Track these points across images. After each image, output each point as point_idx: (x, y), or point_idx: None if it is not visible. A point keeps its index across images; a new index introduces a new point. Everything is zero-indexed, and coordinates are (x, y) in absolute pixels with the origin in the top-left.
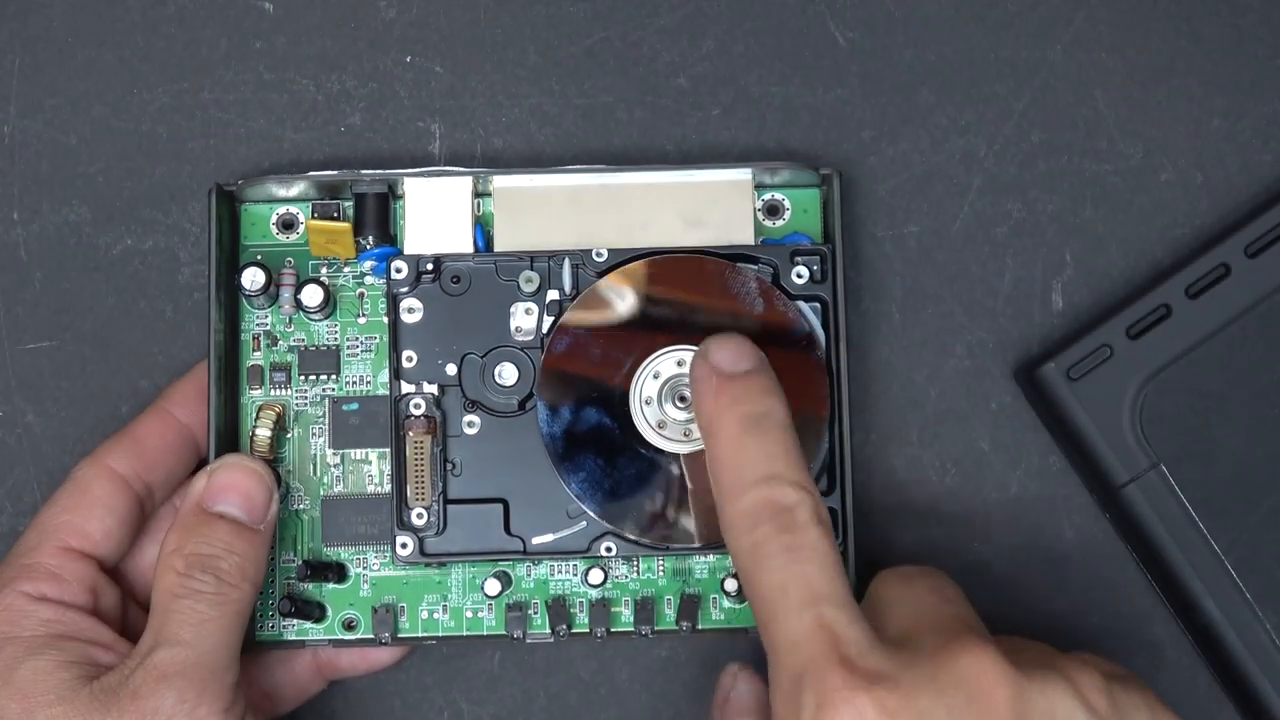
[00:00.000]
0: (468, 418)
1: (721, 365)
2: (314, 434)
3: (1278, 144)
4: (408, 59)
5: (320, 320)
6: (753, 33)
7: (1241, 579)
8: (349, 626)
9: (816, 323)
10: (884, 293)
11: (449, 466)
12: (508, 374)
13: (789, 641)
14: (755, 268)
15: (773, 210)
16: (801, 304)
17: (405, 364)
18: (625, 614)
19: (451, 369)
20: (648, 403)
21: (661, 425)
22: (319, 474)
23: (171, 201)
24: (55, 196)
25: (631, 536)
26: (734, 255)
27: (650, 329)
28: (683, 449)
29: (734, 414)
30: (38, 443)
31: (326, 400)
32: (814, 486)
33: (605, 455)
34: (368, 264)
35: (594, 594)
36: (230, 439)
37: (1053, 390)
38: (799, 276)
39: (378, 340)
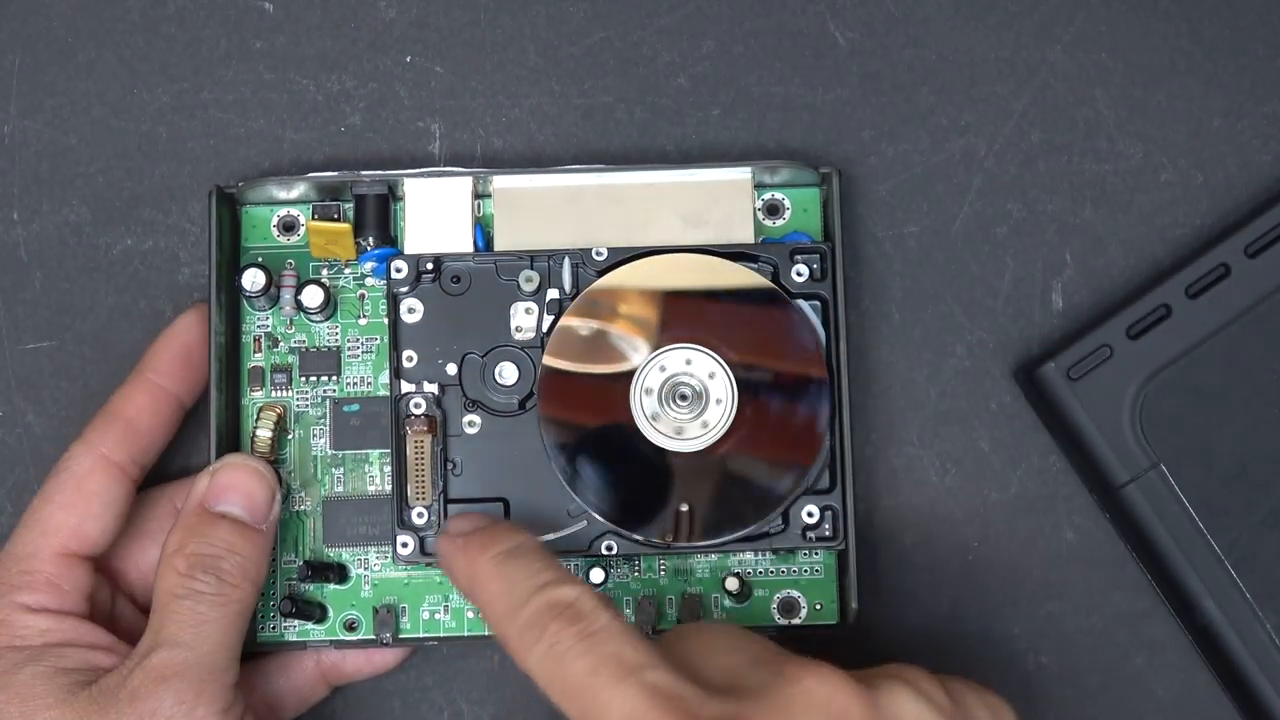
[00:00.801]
0: (468, 417)
1: (462, 528)
2: (315, 435)
3: (1278, 144)
4: (408, 59)
5: (321, 321)
6: (753, 33)
7: (1241, 579)
8: (350, 627)
9: (817, 321)
10: (884, 293)
11: (449, 466)
12: (508, 373)
13: (622, 715)
14: (755, 266)
15: (773, 210)
16: (801, 302)
17: (406, 364)
18: (626, 614)
19: (452, 369)
20: (648, 392)
21: (655, 419)
22: (320, 475)
23: (171, 201)
24: (55, 196)
25: (627, 533)
26: (734, 254)
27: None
28: (672, 446)
29: (487, 556)
30: (38, 443)
31: (327, 401)
32: (588, 586)
33: (603, 448)
34: (368, 265)
35: None
36: (231, 440)
37: (1053, 390)
38: (799, 275)
39: (378, 341)
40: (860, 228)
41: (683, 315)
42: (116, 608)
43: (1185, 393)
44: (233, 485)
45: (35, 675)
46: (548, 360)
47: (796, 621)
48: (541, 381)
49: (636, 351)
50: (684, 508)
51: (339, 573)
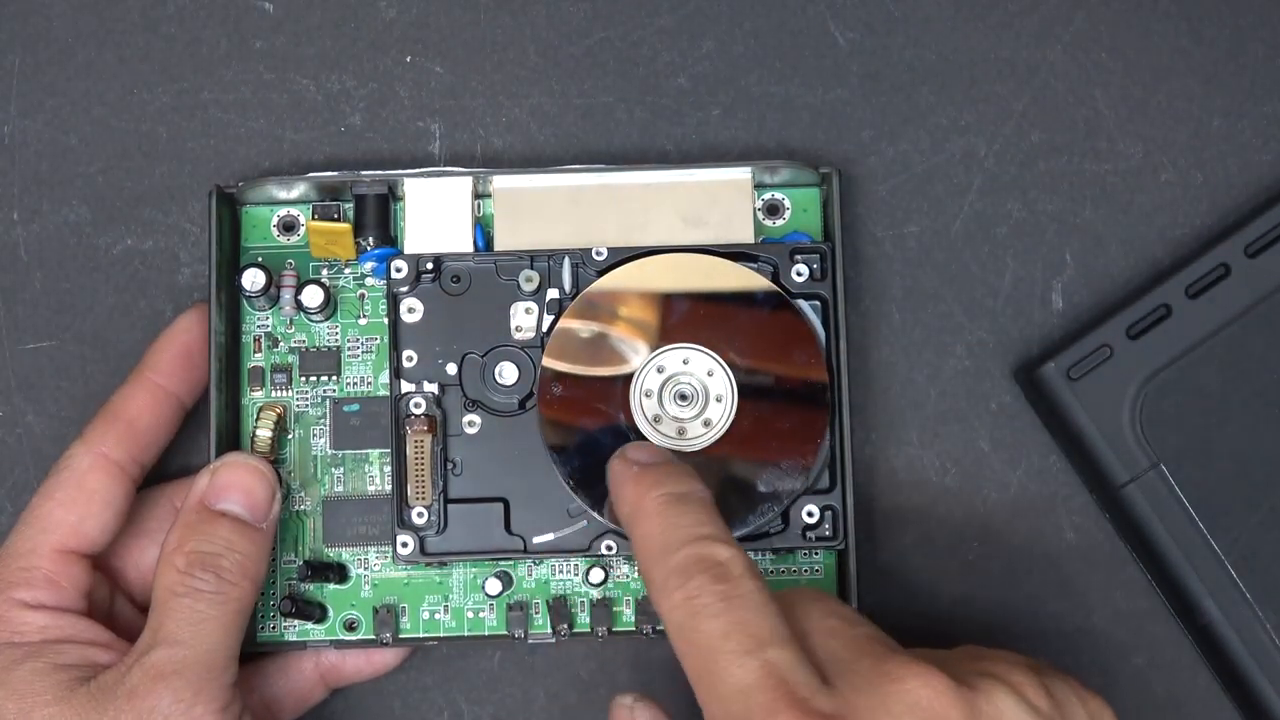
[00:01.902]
0: (468, 417)
1: (640, 458)
2: (315, 435)
3: (1278, 144)
4: (408, 59)
5: (321, 321)
6: (753, 33)
7: (1241, 579)
8: (350, 627)
9: (817, 321)
10: (884, 293)
11: (449, 466)
12: (508, 373)
13: (735, 689)
14: (755, 266)
15: (773, 210)
16: (802, 302)
17: (405, 363)
18: (626, 614)
19: (452, 368)
20: (648, 395)
21: (657, 420)
22: (320, 475)
23: (171, 201)
24: (55, 196)
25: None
26: (734, 254)
27: (658, 325)
28: (674, 446)
29: (657, 493)
30: (38, 443)
31: (327, 401)
32: (743, 550)
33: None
34: (368, 265)
35: (595, 593)
36: (231, 440)
37: (1053, 390)
38: (799, 275)
39: (378, 341)
40: (860, 228)
41: (680, 315)
42: (115, 606)
43: (1185, 393)
44: (233, 483)
45: (33, 672)
46: (547, 362)
47: None
48: (541, 383)
49: (636, 354)
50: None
51: (339, 572)
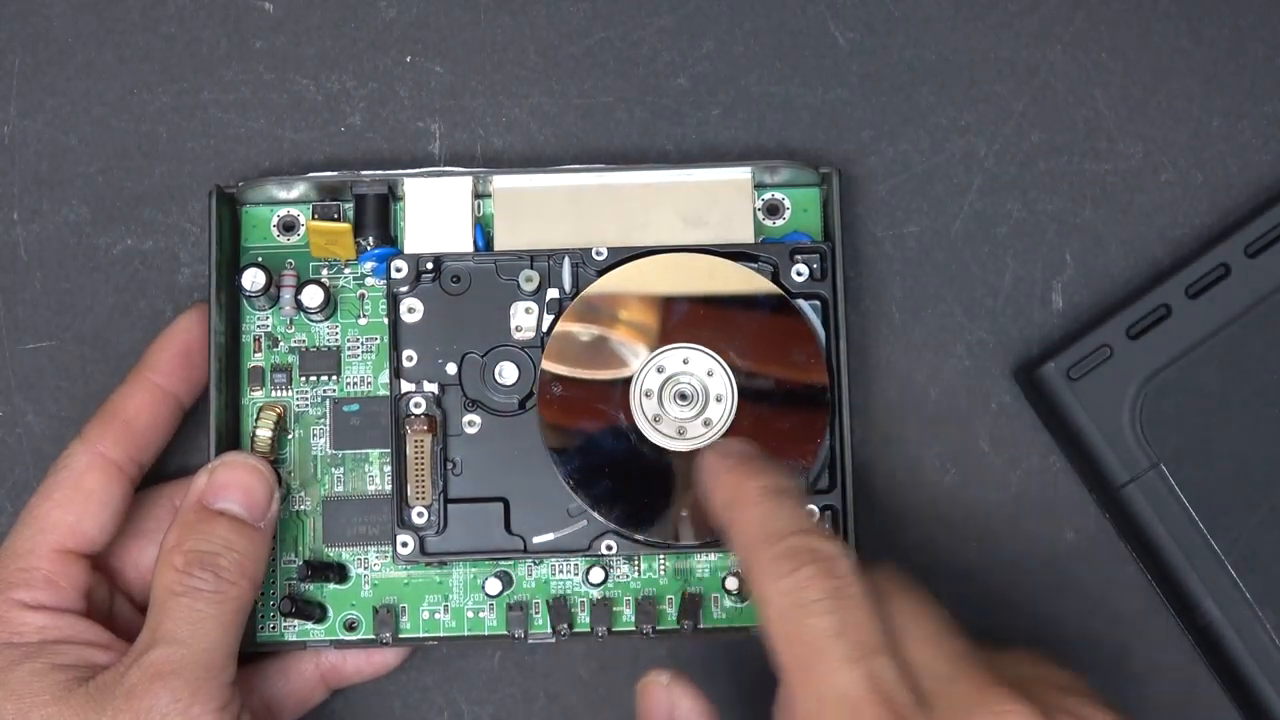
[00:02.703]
0: (468, 417)
1: (737, 451)
2: (315, 435)
3: (1278, 144)
4: (408, 59)
5: (321, 321)
6: (753, 33)
7: (1241, 579)
8: (350, 627)
9: (817, 321)
10: (884, 293)
11: (449, 465)
12: (508, 373)
13: (839, 693)
14: (755, 266)
15: (773, 210)
16: (802, 302)
17: (405, 363)
18: (626, 613)
19: (452, 368)
20: (648, 395)
21: (657, 420)
22: (320, 475)
23: (171, 201)
24: (55, 196)
25: (627, 533)
26: (734, 254)
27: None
28: (674, 446)
29: (758, 483)
30: (38, 443)
31: (327, 401)
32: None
33: (604, 450)
34: (368, 265)
35: (595, 593)
36: (231, 440)
37: (1053, 390)
38: (799, 274)
39: (378, 341)
40: (860, 228)
41: (680, 315)
42: (115, 606)
43: (1185, 393)
44: (231, 483)
45: (32, 672)
46: (546, 365)
47: None
48: (541, 384)
49: (635, 357)
50: (686, 529)
51: (339, 572)
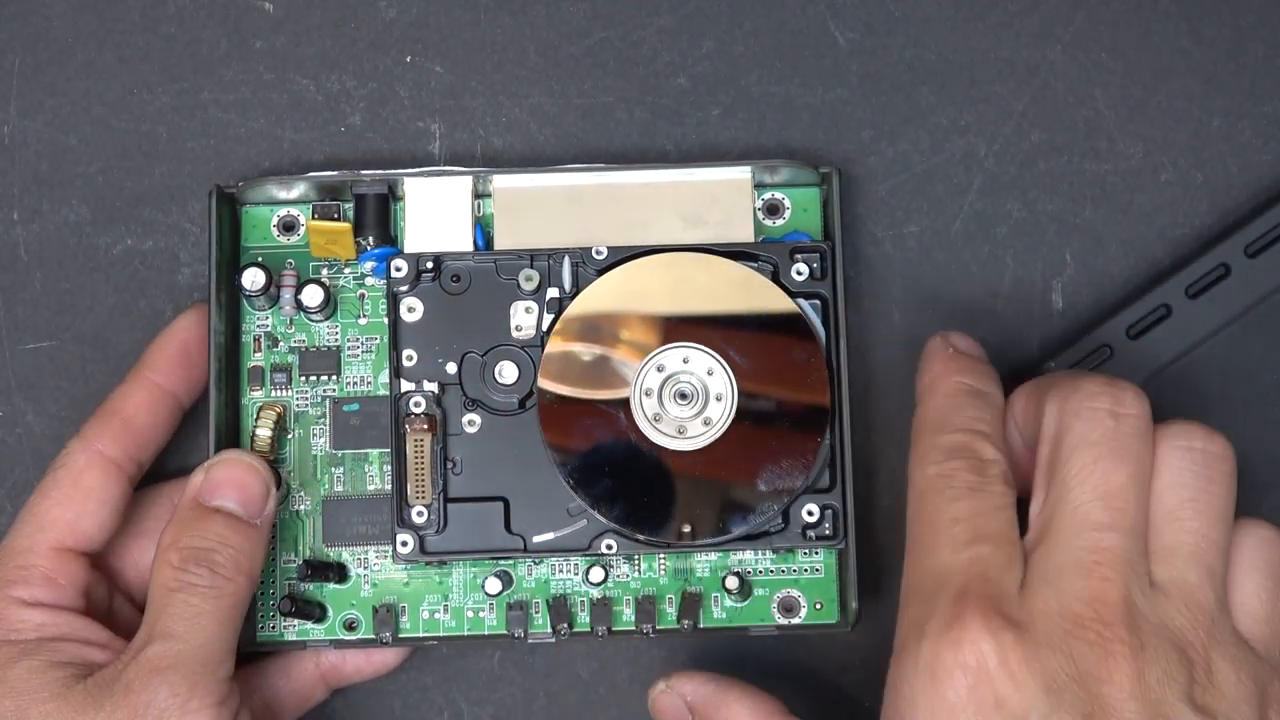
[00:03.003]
0: (468, 416)
1: (959, 344)
2: (314, 434)
3: (1278, 144)
4: (408, 59)
5: (321, 321)
6: (753, 33)
7: None
8: (350, 627)
9: (817, 320)
10: (884, 293)
11: (449, 465)
12: (508, 373)
13: (941, 569)
14: (755, 265)
15: (773, 209)
16: (802, 301)
17: (405, 363)
18: (626, 613)
19: (452, 368)
20: (648, 394)
21: (657, 419)
22: (319, 474)
23: (171, 201)
24: (55, 196)
25: (627, 532)
26: (734, 253)
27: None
28: (674, 445)
29: (958, 379)
30: (38, 443)
31: (327, 401)
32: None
33: (604, 450)
34: (368, 265)
35: (595, 592)
36: (231, 439)
37: None
38: (799, 274)
39: (378, 341)
40: (860, 228)
41: (680, 314)
42: (114, 605)
43: (1185, 393)
44: (227, 480)
45: (30, 669)
46: (543, 383)
47: (796, 621)
48: (539, 393)
49: (632, 374)
50: (686, 529)
51: (338, 572)
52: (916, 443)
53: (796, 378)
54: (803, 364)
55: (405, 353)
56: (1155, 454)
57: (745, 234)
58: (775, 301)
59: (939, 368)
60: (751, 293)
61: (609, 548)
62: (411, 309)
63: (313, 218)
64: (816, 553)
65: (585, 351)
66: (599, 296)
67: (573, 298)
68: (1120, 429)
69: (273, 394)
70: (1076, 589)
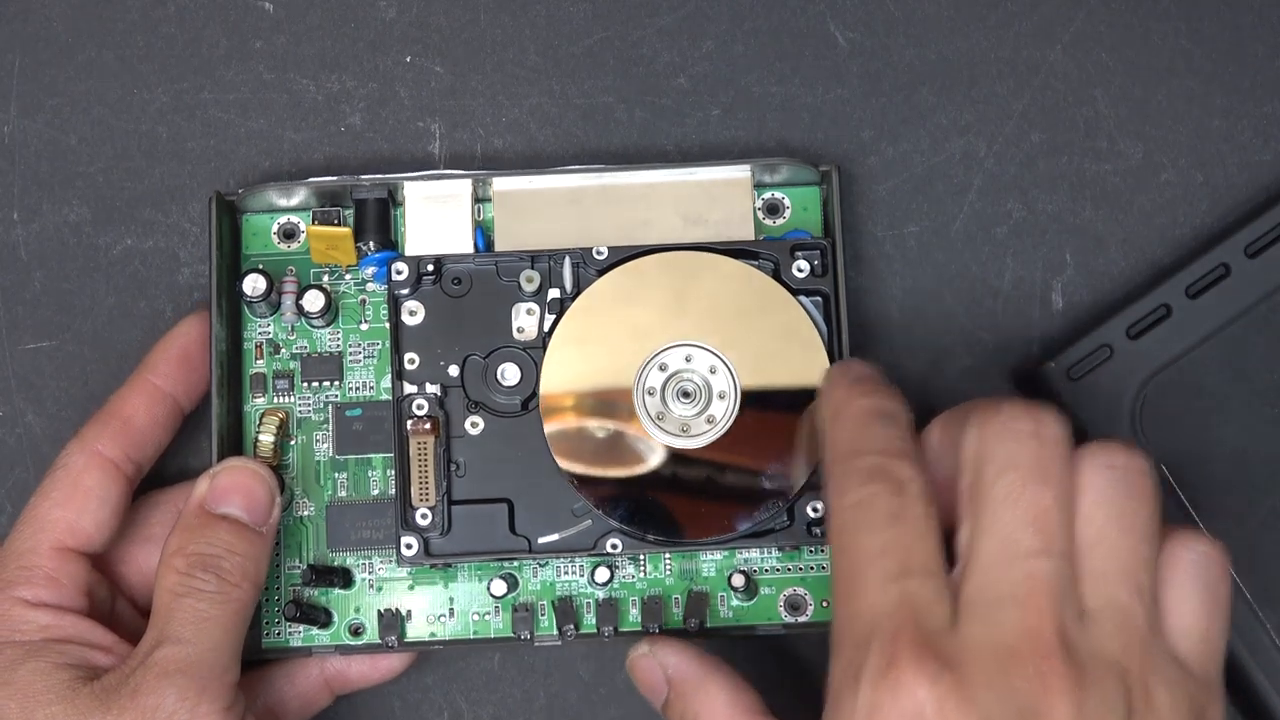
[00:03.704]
0: (471, 418)
1: (858, 370)
2: (317, 440)
3: (1278, 144)
4: (408, 59)
5: (322, 327)
6: (753, 33)
7: (1241, 579)
8: (355, 632)
9: (819, 317)
10: (884, 293)
11: (453, 467)
12: (510, 374)
13: (870, 611)
14: (756, 263)
15: (773, 209)
16: (803, 299)
17: (407, 365)
18: (633, 613)
19: (454, 370)
20: (650, 393)
21: (660, 418)
22: (323, 480)
23: (171, 201)
24: (55, 196)
25: (632, 532)
26: (734, 250)
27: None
28: (678, 444)
29: (865, 402)
30: (38, 443)
31: (329, 406)
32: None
33: (607, 450)
34: (369, 270)
35: (601, 593)
36: (234, 446)
37: (1053, 390)
38: (799, 271)
39: (380, 346)
40: (860, 227)
41: (681, 313)
42: (117, 609)
43: (1185, 393)
44: (233, 487)
45: (35, 671)
46: (563, 464)
47: (804, 619)
48: (544, 385)
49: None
50: (691, 527)
51: (343, 577)
52: (830, 473)
53: (798, 375)
54: (805, 361)
55: (407, 355)
56: (1077, 476)
57: (745, 233)
58: (777, 299)
59: (841, 394)
60: (753, 290)
61: (614, 547)
62: (413, 312)
63: (313, 223)
64: (822, 550)
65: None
66: (600, 296)
67: (574, 298)
68: (1043, 451)
69: (275, 400)
70: (1011, 622)
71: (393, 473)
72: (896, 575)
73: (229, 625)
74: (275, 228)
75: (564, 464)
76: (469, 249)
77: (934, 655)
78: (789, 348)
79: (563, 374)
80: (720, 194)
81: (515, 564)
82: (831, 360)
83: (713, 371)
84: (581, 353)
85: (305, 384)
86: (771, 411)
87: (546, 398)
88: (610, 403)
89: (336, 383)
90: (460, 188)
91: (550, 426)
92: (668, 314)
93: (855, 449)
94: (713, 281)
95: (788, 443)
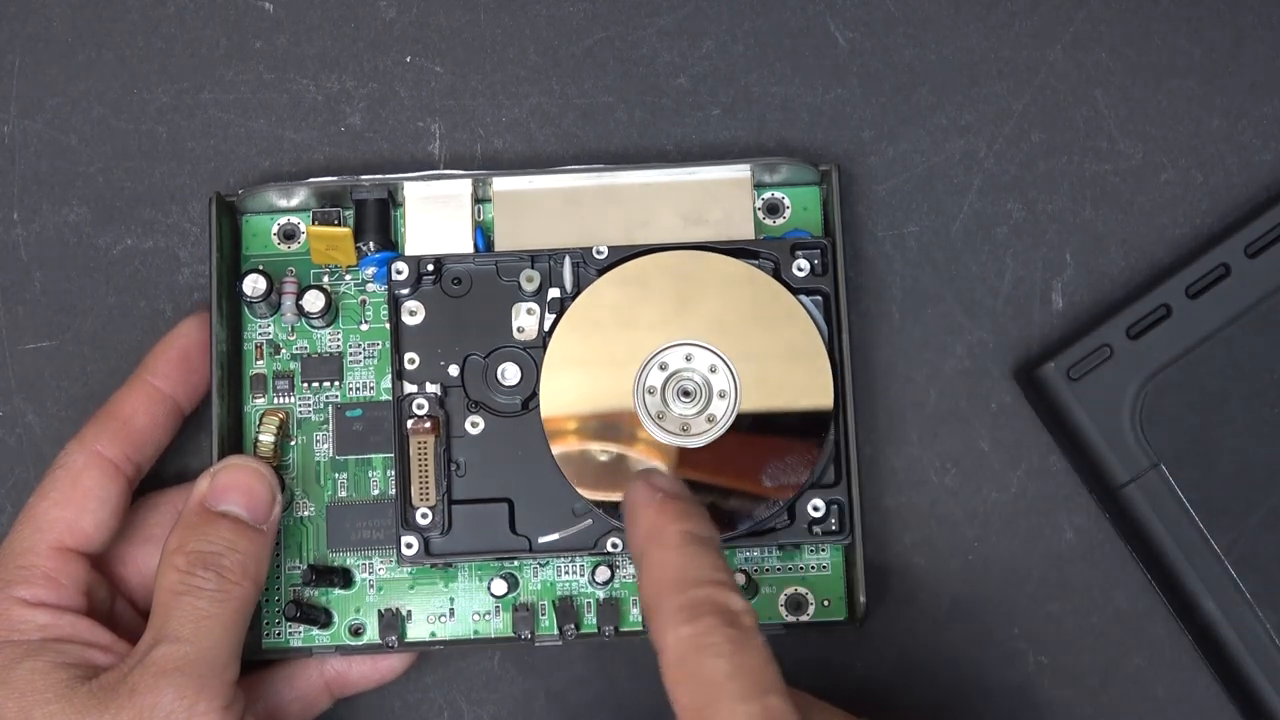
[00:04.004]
0: (471, 418)
1: (666, 487)
2: (318, 441)
3: (1278, 144)
4: (408, 59)
5: (323, 328)
6: (753, 33)
7: (1241, 579)
8: (356, 632)
9: (819, 316)
10: (884, 293)
11: (453, 467)
12: (510, 374)
13: None
14: (756, 262)
15: (773, 209)
16: (804, 298)
17: (408, 365)
18: (634, 613)
19: (454, 370)
20: (650, 392)
21: (661, 416)
22: (323, 480)
23: (171, 201)
24: (55, 196)
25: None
26: (735, 250)
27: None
28: (678, 443)
29: (680, 527)
30: (38, 443)
31: (330, 407)
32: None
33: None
34: (369, 270)
35: (601, 593)
36: (234, 447)
37: (1053, 390)
38: (800, 270)
39: (380, 347)
40: (860, 227)
41: (681, 313)
42: (116, 609)
43: (1185, 393)
44: (233, 485)
45: (34, 670)
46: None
47: (805, 619)
48: (545, 389)
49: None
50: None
51: (343, 577)
52: (655, 605)
53: (799, 373)
54: (805, 360)
55: (407, 355)
56: None
57: (746, 233)
58: (777, 298)
59: (655, 518)
60: (753, 289)
61: (615, 547)
62: (413, 312)
63: (313, 224)
64: (823, 549)
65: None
66: (600, 296)
67: (574, 298)
68: None
69: (275, 401)
70: None
71: (393, 473)
72: (752, 694)
73: (228, 623)
74: (275, 228)
75: (564, 466)
76: (469, 249)
77: None
78: (789, 348)
79: (563, 375)
80: (720, 194)
81: (516, 564)
82: (832, 360)
83: (713, 371)
84: (581, 354)
85: (305, 384)
86: (771, 411)
87: (547, 398)
88: (611, 409)
89: (337, 383)
90: (460, 188)
91: (551, 428)
92: (668, 313)
93: (681, 579)
94: (713, 281)
95: (787, 442)
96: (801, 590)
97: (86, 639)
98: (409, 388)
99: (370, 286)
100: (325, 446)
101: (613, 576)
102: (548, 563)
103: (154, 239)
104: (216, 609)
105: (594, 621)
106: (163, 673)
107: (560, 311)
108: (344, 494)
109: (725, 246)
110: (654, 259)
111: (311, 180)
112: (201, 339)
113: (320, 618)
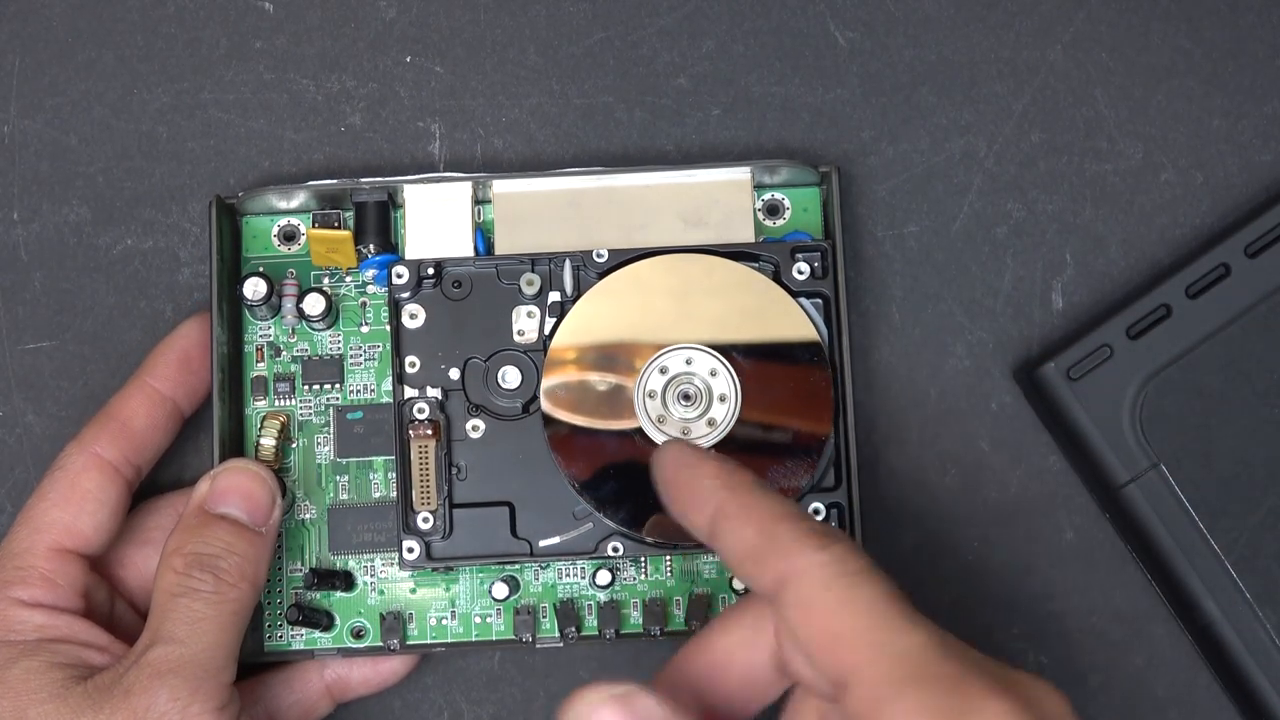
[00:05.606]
0: (472, 422)
1: (704, 450)
2: (319, 443)
3: (1278, 144)
4: (408, 59)
5: (323, 330)
6: (753, 33)
7: (1241, 579)
8: (357, 635)
9: (819, 318)
10: (884, 293)
11: (454, 471)
12: (511, 377)
13: (918, 645)
14: (756, 265)
15: (773, 210)
16: (804, 300)
17: (408, 369)
18: (634, 616)
19: (454, 373)
20: (651, 396)
21: (661, 420)
22: (324, 483)
23: (171, 201)
24: (55, 196)
25: (634, 534)
26: (735, 253)
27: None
28: None
29: (747, 475)
30: (38, 443)
31: (330, 409)
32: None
33: (609, 453)
34: (369, 273)
35: (602, 596)
36: (235, 449)
37: (1053, 390)
38: (800, 273)
39: (381, 349)
40: (860, 228)
41: (682, 316)
42: (116, 611)
43: (1185, 393)
44: (233, 488)
45: (29, 670)
46: (547, 408)
47: None
48: (545, 392)
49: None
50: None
51: (345, 580)
52: (775, 535)
53: (799, 376)
54: (806, 364)
55: (408, 359)
56: None
57: (746, 235)
58: (777, 302)
59: (720, 468)
60: (753, 293)
61: (615, 550)
62: (413, 315)
63: (313, 226)
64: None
65: (590, 372)
66: (600, 300)
67: (574, 301)
68: None
69: (276, 404)
70: None
71: (394, 475)
72: (919, 618)
73: (225, 625)
74: (275, 230)
75: (563, 465)
76: (469, 252)
77: None
78: (790, 350)
79: (563, 376)
80: (720, 195)
81: (517, 566)
82: (833, 363)
83: (713, 374)
84: (582, 357)
85: (306, 387)
86: (773, 415)
87: (547, 400)
88: (612, 407)
89: (337, 385)
90: (460, 190)
91: (551, 430)
92: (668, 317)
93: (790, 512)
94: (713, 284)
95: (788, 445)
96: None
97: (83, 640)
98: (409, 391)
99: (370, 288)
100: (326, 449)
101: (614, 580)
102: (549, 565)
103: (154, 239)
104: (213, 611)
105: (595, 624)
106: (158, 674)
107: (560, 315)
108: (345, 496)
109: (726, 249)
110: (654, 262)
111: (311, 183)
112: (202, 341)
113: (322, 621)
